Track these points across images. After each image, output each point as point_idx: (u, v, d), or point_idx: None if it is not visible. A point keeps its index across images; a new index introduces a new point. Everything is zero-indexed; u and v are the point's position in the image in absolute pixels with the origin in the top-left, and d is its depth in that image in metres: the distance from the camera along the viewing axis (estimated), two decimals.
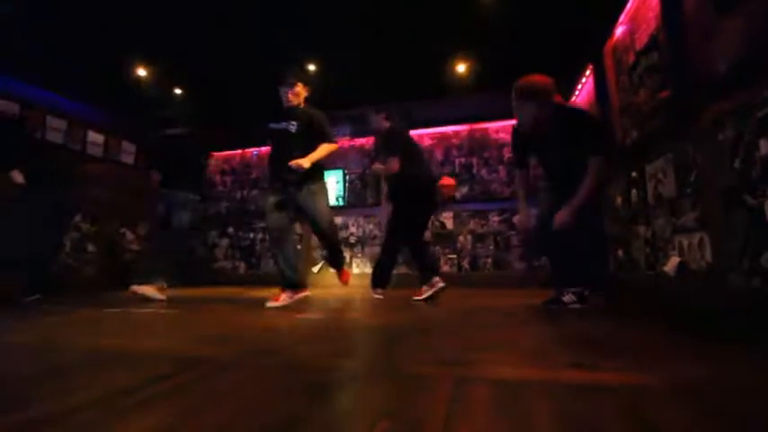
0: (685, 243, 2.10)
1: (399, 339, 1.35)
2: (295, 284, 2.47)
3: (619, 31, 2.90)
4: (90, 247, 4.50)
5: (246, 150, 5.57)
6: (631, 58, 2.68)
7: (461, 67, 4.07)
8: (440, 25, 3.37)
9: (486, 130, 4.71)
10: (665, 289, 2.29)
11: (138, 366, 0.97)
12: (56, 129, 4.17)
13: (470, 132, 4.76)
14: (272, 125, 2.59)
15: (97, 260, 4.55)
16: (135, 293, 2.74)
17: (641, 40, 2.51)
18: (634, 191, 2.75)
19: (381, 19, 3.29)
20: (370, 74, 4.15)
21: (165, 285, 2.89)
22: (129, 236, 5.01)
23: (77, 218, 4.35)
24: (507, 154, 4.59)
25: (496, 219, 4.48)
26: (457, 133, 4.80)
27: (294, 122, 2.52)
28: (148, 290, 2.75)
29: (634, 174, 2.72)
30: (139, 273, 2.90)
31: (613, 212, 3.17)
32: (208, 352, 1.12)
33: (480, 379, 0.81)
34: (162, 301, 2.74)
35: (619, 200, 3.03)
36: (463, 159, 4.74)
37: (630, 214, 2.82)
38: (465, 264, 4.50)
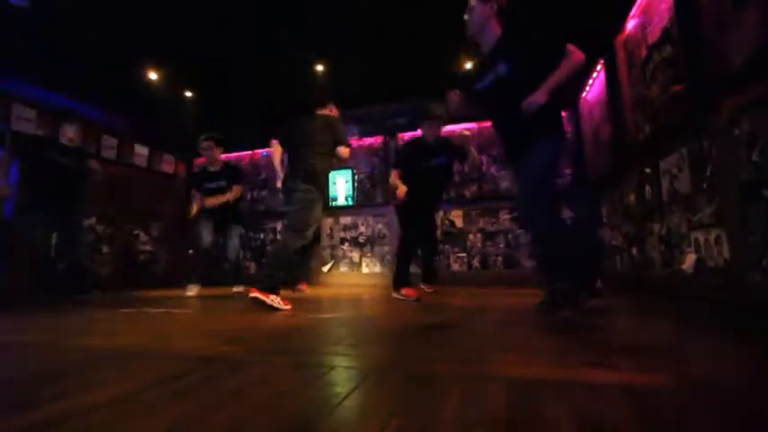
0: (702, 240, 2.06)
1: (410, 338, 1.34)
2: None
3: (631, 24, 2.84)
4: (105, 249, 4.58)
5: (256, 152, 5.62)
6: (644, 52, 2.64)
7: (468, 64, 4.04)
8: (445, 21, 3.35)
9: None
10: (682, 287, 2.24)
11: (150, 366, 0.99)
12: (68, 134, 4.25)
13: (479, 130, 4.72)
14: None
15: (112, 261, 4.63)
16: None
17: (654, 33, 2.47)
18: (648, 187, 2.70)
19: (387, 17, 3.28)
20: (377, 73, 4.14)
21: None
22: (143, 237, 5.09)
23: (92, 220, 4.44)
24: None
25: (507, 217, 4.44)
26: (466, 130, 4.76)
27: None
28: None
29: (647, 170, 2.67)
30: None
31: (626, 210, 3.12)
32: (219, 351, 1.13)
33: (494, 378, 0.81)
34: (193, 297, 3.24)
35: (632, 197, 2.98)
36: None
37: (644, 211, 2.77)
38: (475, 262, 4.47)
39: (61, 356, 1.12)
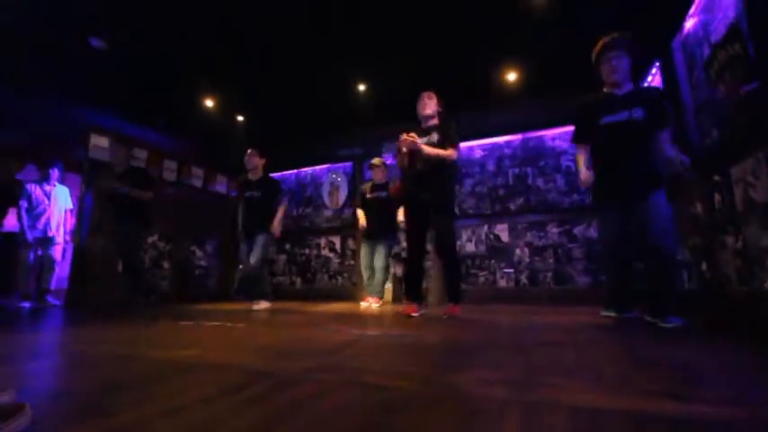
0: None
1: (460, 357, 1.30)
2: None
3: (690, 23, 2.67)
4: (165, 264, 4.93)
5: (301, 170, 5.84)
6: (706, 52, 2.45)
7: (512, 75, 3.97)
8: (488, 29, 3.33)
9: (540, 138, 4.52)
10: (765, 307, 2.00)
11: (209, 378, 1.03)
12: (139, 158, 4.68)
13: (524, 141, 4.59)
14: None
15: (171, 275, 4.96)
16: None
17: (718, 30, 2.29)
18: (717, 196, 2.46)
19: (428, 28, 3.31)
20: (419, 86, 4.18)
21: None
22: (198, 253, 5.41)
23: (155, 237, 4.80)
24: (565, 162, 4.36)
25: (556, 230, 4.24)
26: (509, 143, 4.65)
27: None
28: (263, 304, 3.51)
29: (717, 177, 2.45)
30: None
31: (692, 221, 2.86)
32: (273, 366, 1.16)
33: (554, 406, 0.76)
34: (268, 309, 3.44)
35: (698, 207, 2.74)
36: (517, 170, 4.57)
37: (714, 222, 2.52)
38: (523, 278, 4.29)
39: (129, 367, 1.20)
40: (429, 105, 2.82)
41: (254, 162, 3.71)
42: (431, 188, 2.59)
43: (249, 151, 3.73)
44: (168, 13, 2.99)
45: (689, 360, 1.22)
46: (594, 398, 0.80)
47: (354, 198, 5.04)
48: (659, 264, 2.01)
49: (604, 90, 2.29)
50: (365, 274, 3.92)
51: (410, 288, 2.77)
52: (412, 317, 2.58)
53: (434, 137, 2.69)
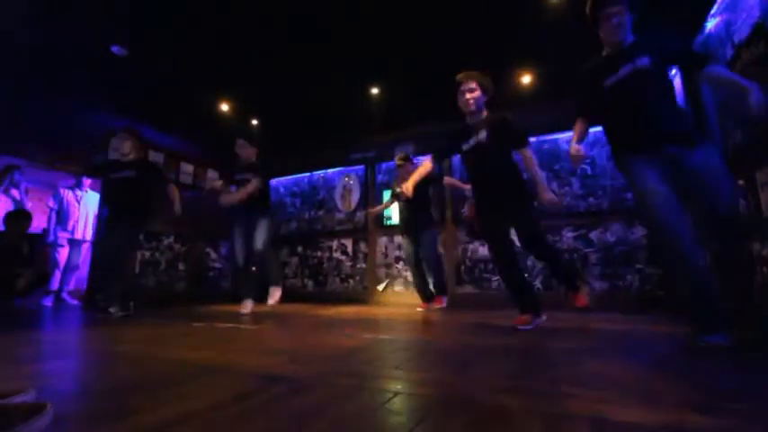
0: None
1: (475, 364, 1.28)
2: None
3: (711, 23, 2.60)
4: (181, 266, 5.00)
5: (314, 174, 5.87)
6: (729, 52, 2.39)
7: (526, 77, 3.93)
8: (498, 32, 3.30)
9: (555, 141, 4.45)
10: None
11: (223, 382, 1.03)
12: (155, 161, 4.77)
13: (538, 144, 4.53)
14: None
15: (186, 277, 5.03)
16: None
17: (742, 31, 2.23)
18: (742, 201, 2.39)
19: (438, 31, 3.30)
20: (432, 89, 4.17)
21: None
22: (213, 255, 5.48)
23: (171, 239, 4.88)
24: (581, 165, 4.28)
25: (571, 235, 4.16)
26: None
27: None
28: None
29: (741, 181, 2.37)
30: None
31: None
32: (287, 370, 1.16)
33: (579, 418, 0.73)
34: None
35: None
36: None
37: None
38: (537, 283, 4.22)
39: (146, 368, 1.21)
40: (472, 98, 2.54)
41: (248, 153, 3.51)
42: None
43: (240, 142, 3.48)
44: (185, 17, 3.05)
45: (714, 372, 1.17)
46: (618, 410, 0.77)
47: (369, 201, 5.07)
48: (730, 241, 1.56)
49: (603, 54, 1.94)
50: (411, 272, 3.86)
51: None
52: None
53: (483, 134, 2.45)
